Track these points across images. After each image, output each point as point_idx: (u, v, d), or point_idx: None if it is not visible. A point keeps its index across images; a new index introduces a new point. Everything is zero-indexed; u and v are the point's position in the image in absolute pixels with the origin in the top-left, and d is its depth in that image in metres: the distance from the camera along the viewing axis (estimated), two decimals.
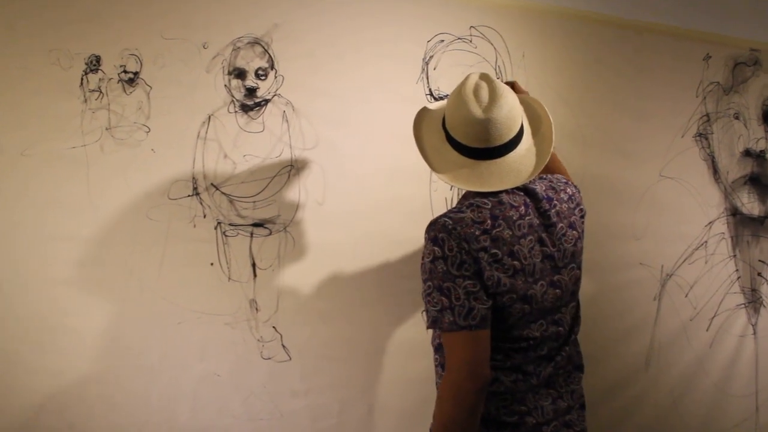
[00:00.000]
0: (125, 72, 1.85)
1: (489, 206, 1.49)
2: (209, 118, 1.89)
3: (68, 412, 1.83)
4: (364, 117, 2.04)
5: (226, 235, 1.90)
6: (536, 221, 1.52)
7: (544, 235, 1.53)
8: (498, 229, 1.46)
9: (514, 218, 1.49)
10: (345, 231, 2.03)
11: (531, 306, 1.49)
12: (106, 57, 1.84)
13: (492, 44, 2.19)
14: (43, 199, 1.78)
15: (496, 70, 2.20)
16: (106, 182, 1.83)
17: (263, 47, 1.93)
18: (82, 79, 1.82)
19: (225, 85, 1.90)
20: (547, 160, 1.54)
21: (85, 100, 1.82)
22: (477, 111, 1.49)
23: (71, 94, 1.82)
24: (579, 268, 1.62)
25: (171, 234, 1.87)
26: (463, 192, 1.65)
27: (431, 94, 2.11)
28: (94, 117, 1.83)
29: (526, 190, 1.55)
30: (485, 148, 1.51)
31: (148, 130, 1.85)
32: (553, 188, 1.60)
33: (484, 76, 1.56)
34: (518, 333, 1.51)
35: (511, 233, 1.47)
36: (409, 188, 2.10)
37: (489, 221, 1.46)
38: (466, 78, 1.55)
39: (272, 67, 1.93)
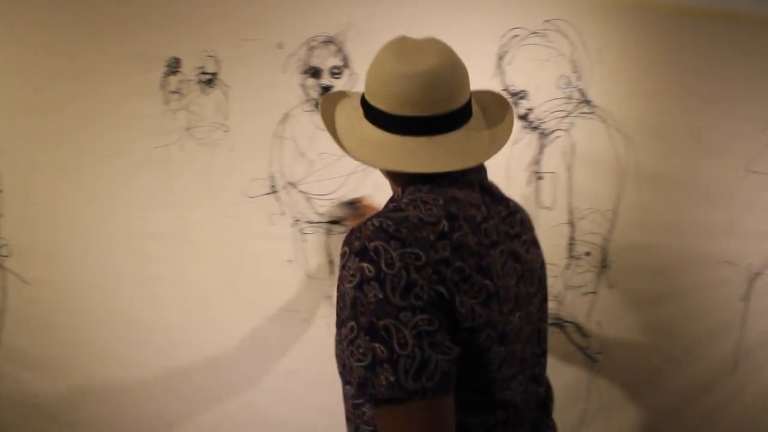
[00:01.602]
0: (204, 73, 1.88)
1: (441, 202, 0.99)
2: (286, 116, 1.90)
3: (155, 402, 1.88)
4: None
5: (303, 233, 1.91)
6: (501, 228, 1.06)
7: (512, 246, 1.06)
8: (459, 233, 0.96)
9: (478, 219, 1.01)
10: None
11: (507, 348, 1.00)
12: (185, 59, 1.88)
13: (567, 38, 2.14)
14: (127, 197, 1.83)
15: (572, 64, 2.15)
16: (186, 181, 1.87)
17: (337, 46, 1.93)
18: (162, 80, 1.86)
19: (300, 84, 1.91)
20: (506, 142, 1.12)
21: (166, 102, 1.86)
22: (403, 63, 1.03)
23: (152, 96, 1.86)
24: (546, 301, 1.16)
25: (249, 232, 1.89)
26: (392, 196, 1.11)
27: (507, 90, 2.07)
28: (174, 118, 1.86)
29: (481, 185, 1.09)
30: (419, 118, 1.02)
31: (226, 129, 1.88)
32: (523, 212, 1.19)
33: (417, 37, 1.13)
34: (498, 396, 0.99)
35: (476, 240, 0.98)
36: None
37: (445, 222, 0.96)
38: (395, 37, 1.14)
39: (346, 65, 1.93)
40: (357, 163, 1.87)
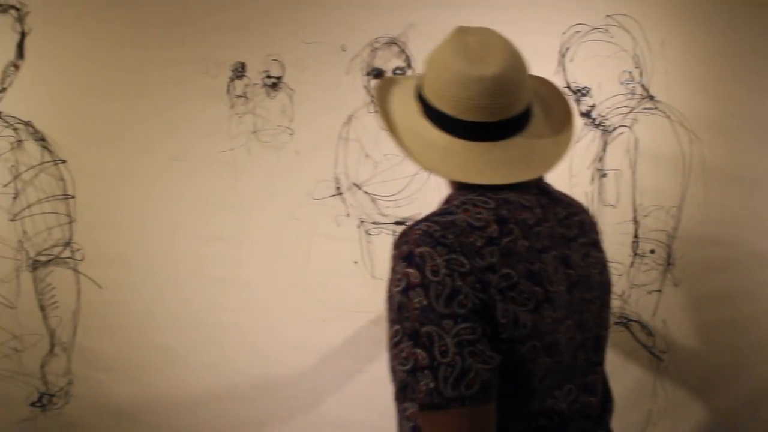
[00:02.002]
0: (269, 77, 1.89)
1: (492, 205, 0.96)
2: (350, 118, 1.91)
3: (220, 403, 1.91)
4: None
5: (368, 234, 1.91)
6: (558, 231, 1.01)
7: (567, 251, 1.01)
8: (509, 238, 0.93)
9: (530, 223, 0.97)
10: None
11: (554, 359, 0.95)
12: (250, 63, 1.89)
13: (629, 33, 2.11)
14: (194, 201, 1.85)
15: (634, 59, 2.12)
16: (253, 184, 1.89)
17: (400, 47, 1.93)
18: (228, 85, 1.88)
19: (364, 86, 1.91)
20: (570, 146, 1.07)
21: (232, 106, 1.88)
22: (468, 66, 0.98)
23: (219, 100, 1.88)
24: (608, 309, 1.09)
25: (316, 233, 1.90)
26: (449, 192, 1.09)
27: (569, 87, 2.05)
28: (240, 121, 1.88)
29: (537, 186, 1.04)
30: (481, 124, 0.99)
31: (291, 132, 1.89)
32: (581, 207, 1.13)
33: (476, 28, 1.06)
34: (539, 406, 0.96)
35: (527, 245, 0.94)
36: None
37: (495, 226, 0.93)
38: (455, 31, 1.08)
39: (409, 66, 1.93)
40: None
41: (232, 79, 1.86)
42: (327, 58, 1.89)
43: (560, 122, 1.08)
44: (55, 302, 1.86)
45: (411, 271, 0.88)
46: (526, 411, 0.94)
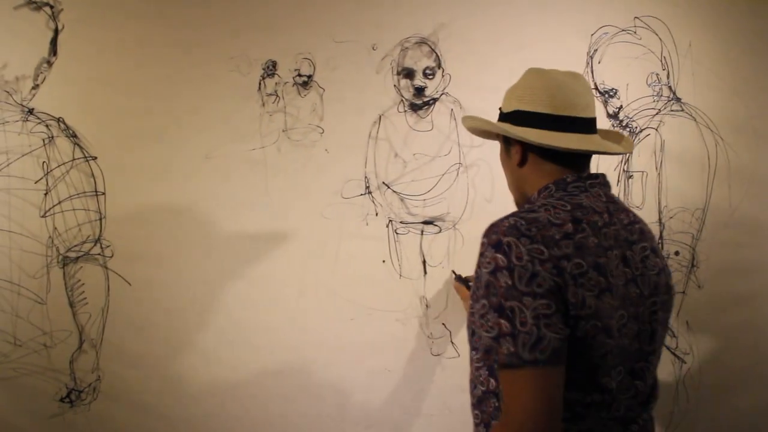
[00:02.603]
0: (300, 75, 1.90)
1: (568, 208, 1.15)
2: (380, 117, 1.91)
3: (248, 400, 1.91)
4: None
5: (397, 233, 1.92)
6: (622, 234, 1.19)
7: (628, 252, 1.19)
8: (582, 235, 1.12)
9: (599, 224, 1.16)
10: None
11: (612, 341, 1.12)
12: (281, 62, 1.90)
13: (657, 34, 2.12)
14: (224, 199, 1.86)
15: (661, 61, 2.13)
16: (283, 182, 1.89)
17: (430, 47, 1.94)
18: (260, 83, 1.89)
19: (394, 85, 1.92)
20: (632, 147, 1.35)
21: (263, 104, 1.89)
22: (563, 75, 1.25)
23: (250, 98, 1.88)
24: (664, 309, 1.24)
25: (344, 232, 1.90)
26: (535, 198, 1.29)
27: (596, 89, 2.05)
28: (271, 120, 1.89)
29: (606, 195, 1.23)
30: (575, 118, 1.22)
31: (321, 131, 1.90)
32: (644, 224, 1.30)
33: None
34: (596, 380, 1.12)
35: (596, 241, 1.13)
36: None
37: (570, 224, 1.12)
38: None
39: (439, 66, 1.93)
40: (450, 163, 1.88)
41: (264, 78, 1.86)
42: (358, 57, 1.90)
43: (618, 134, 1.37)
44: (85, 299, 1.86)
45: (499, 256, 1.07)
46: (585, 382, 1.10)
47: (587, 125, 1.24)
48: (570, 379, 1.08)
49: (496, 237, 1.09)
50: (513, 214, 1.13)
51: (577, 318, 1.07)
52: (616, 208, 1.22)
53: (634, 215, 1.27)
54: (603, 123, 1.99)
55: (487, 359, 1.11)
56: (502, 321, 1.05)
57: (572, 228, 1.12)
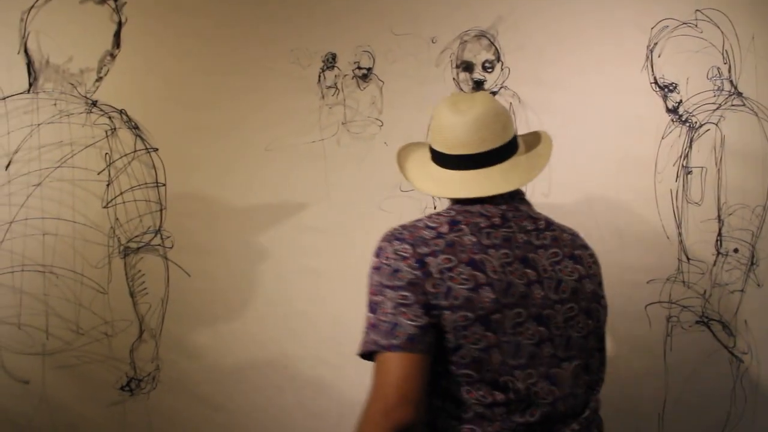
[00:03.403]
0: (359, 68, 1.90)
1: (452, 213, 1.23)
2: None
3: (304, 393, 1.93)
4: (588, 107, 2.00)
5: None
6: (520, 237, 1.23)
7: (531, 255, 1.22)
8: (456, 234, 1.18)
9: (482, 225, 1.21)
10: (570, 222, 1.98)
11: (497, 337, 1.15)
12: (341, 54, 1.90)
13: (719, 28, 2.08)
14: (284, 191, 1.87)
15: (723, 54, 2.09)
16: (342, 175, 1.89)
17: (489, 39, 1.93)
18: (319, 76, 1.89)
19: (453, 78, 1.91)
20: (537, 173, 1.31)
21: (323, 97, 1.89)
22: (453, 114, 1.28)
23: (310, 91, 1.89)
24: (590, 317, 1.26)
25: None
26: None
27: (656, 83, 2.03)
28: (330, 112, 1.89)
29: (510, 204, 1.27)
30: (466, 156, 1.27)
31: (381, 123, 1.90)
32: (564, 231, 1.32)
33: (469, 93, 1.37)
34: (491, 377, 1.15)
35: (474, 240, 1.18)
36: (633, 179, 2.03)
37: (446, 226, 1.20)
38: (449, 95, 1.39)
39: (498, 59, 1.92)
40: None
41: (323, 70, 1.87)
42: (417, 50, 1.89)
43: (539, 150, 1.36)
44: (145, 289, 1.89)
45: (375, 259, 1.19)
46: (480, 379, 1.14)
47: (481, 160, 1.27)
48: (462, 374, 1.14)
49: (377, 245, 1.20)
50: (401, 224, 1.23)
51: (442, 308, 1.12)
52: (518, 215, 1.26)
53: (549, 224, 1.30)
54: (662, 118, 1.97)
55: (360, 350, 1.16)
56: (370, 315, 1.14)
57: (447, 228, 1.19)
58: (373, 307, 1.15)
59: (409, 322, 1.11)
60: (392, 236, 1.20)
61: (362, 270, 1.95)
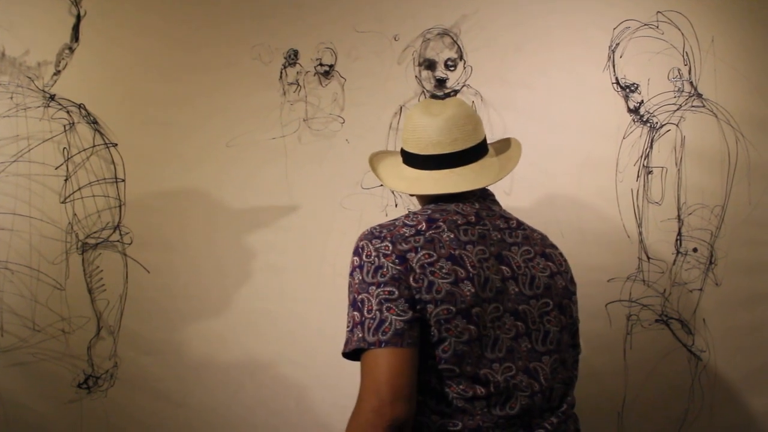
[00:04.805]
0: (321, 65, 1.89)
1: (428, 212, 1.25)
2: (401, 108, 1.91)
3: (263, 389, 1.97)
4: (550, 106, 2.01)
5: None
6: (494, 235, 1.26)
7: (505, 252, 1.26)
8: (434, 231, 1.20)
9: (459, 222, 1.24)
10: (531, 221, 1.98)
11: (479, 330, 1.16)
12: (303, 51, 1.90)
13: (679, 29, 2.10)
14: (247, 188, 1.86)
15: (683, 56, 2.11)
16: (302, 172, 1.89)
17: (452, 38, 1.93)
18: (281, 72, 1.88)
19: (416, 76, 1.91)
20: (507, 173, 1.36)
21: (284, 93, 1.88)
22: (426, 116, 1.32)
23: (271, 87, 1.88)
24: (562, 311, 1.29)
25: (364, 222, 1.90)
26: None
27: (618, 83, 2.04)
28: (292, 109, 1.88)
29: (482, 204, 1.31)
30: (439, 155, 1.31)
31: (342, 121, 1.89)
32: (533, 230, 1.36)
33: (434, 97, 1.39)
34: (472, 370, 1.16)
35: (452, 236, 1.20)
36: (595, 180, 2.05)
37: (424, 224, 1.22)
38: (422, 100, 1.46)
39: (461, 57, 1.93)
40: None
41: (285, 67, 1.86)
42: (379, 48, 1.89)
43: (510, 153, 1.40)
44: (103, 285, 1.87)
45: (355, 258, 1.18)
46: (461, 373, 1.14)
47: (453, 159, 1.31)
48: (444, 368, 1.14)
49: (356, 243, 1.20)
50: (378, 224, 1.24)
51: (425, 301, 1.13)
52: (491, 214, 1.29)
53: (520, 224, 1.34)
54: (624, 118, 1.99)
55: (345, 349, 1.16)
56: (355, 313, 1.13)
57: (425, 226, 1.20)
58: (357, 305, 1.14)
59: (395, 317, 1.11)
60: (371, 235, 1.20)
61: (324, 267, 1.97)
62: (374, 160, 1.45)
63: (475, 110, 1.40)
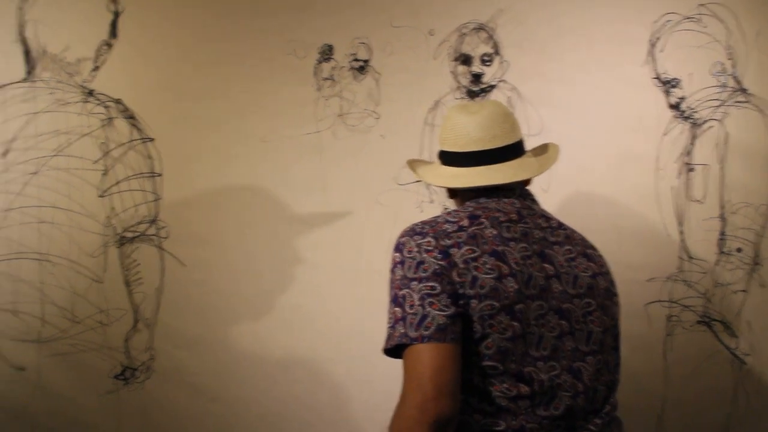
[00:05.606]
0: (356, 60, 1.89)
1: (470, 209, 1.25)
2: (436, 104, 1.89)
3: (298, 385, 1.96)
4: (588, 102, 1.97)
5: None
6: (536, 233, 1.25)
7: (547, 250, 1.25)
8: (477, 227, 1.20)
9: (501, 219, 1.23)
10: (569, 218, 1.95)
11: (522, 327, 1.15)
12: (338, 46, 1.89)
13: (723, 23, 2.05)
14: (280, 182, 1.86)
15: (727, 50, 2.05)
16: (338, 167, 1.89)
17: (488, 33, 1.91)
18: (315, 68, 1.88)
19: (451, 72, 1.89)
20: (546, 169, 1.37)
21: (319, 88, 1.88)
22: (465, 114, 1.34)
23: (306, 82, 1.88)
24: (605, 313, 1.27)
25: (399, 218, 1.89)
26: None
27: (658, 78, 1.99)
28: (327, 104, 1.88)
29: (522, 203, 1.30)
30: (479, 152, 1.31)
31: (377, 116, 1.88)
32: (574, 231, 1.35)
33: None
34: (516, 368, 1.14)
35: (495, 232, 1.20)
36: (633, 176, 2.00)
37: (466, 220, 1.21)
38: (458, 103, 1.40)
39: (497, 52, 1.90)
40: None
41: (320, 62, 1.86)
42: (415, 43, 1.88)
43: (548, 154, 1.41)
44: (140, 278, 1.89)
45: (396, 254, 1.18)
46: (505, 371, 1.13)
47: (494, 156, 1.31)
48: (487, 365, 1.13)
49: (397, 240, 1.20)
50: (420, 221, 1.23)
51: (469, 296, 1.12)
52: (532, 213, 1.29)
53: (561, 224, 1.34)
54: (664, 114, 1.94)
55: (387, 345, 1.15)
56: (397, 309, 1.12)
57: (468, 222, 1.20)
58: (398, 301, 1.13)
59: (438, 312, 1.10)
60: (412, 231, 1.20)
61: (359, 264, 1.96)
62: (412, 164, 1.46)
63: (511, 111, 1.39)
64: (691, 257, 1.95)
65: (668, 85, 1.99)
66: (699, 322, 2.03)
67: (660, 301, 1.94)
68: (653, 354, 1.89)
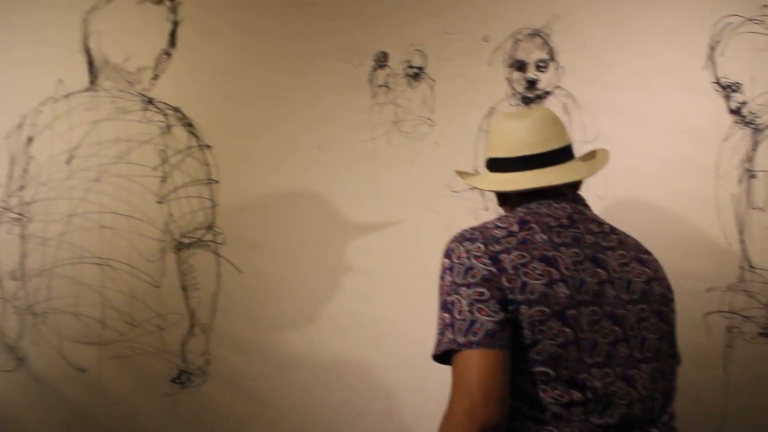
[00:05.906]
0: (410, 67, 1.89)
1: (520, 214, 1.25)
2: (491, 110, 1.88)
3: (351, 392, 1.97)
4: (646, 108, 1.94)
5: None
6: (588, 238, 1.24)
7: (600, 255, 1.22)
8: (526, 232, 1.19)
9: (551, 224, 1.22)
10: (625, 225, 1.92)
11: (575, 333, 1.13)
12: (392, 53, 1.90)
13: None
14: (335, 189, 1.87)
15: None
16: (392, 174, 1.89)
17: (543, 39, 1.89)
18: (370, 75, 1.88)
19: (506, 78, 1.88)
20: (597, 171, 1.38)
21: (374, 95, 1.89)
22: (514, 120, 1.34)
23: (361, 89, 1.89)
24: (660, 318, 1.25)
25: (453, 226, 1.86)
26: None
27: (718, 82, 1.95)
28: (381, 111, 1.89)
29: (573, 208, 1.29)
30: (530, 156, 1.31)
31: (432, 123, 1.88)
32: (627, 236, 1.34)
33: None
34: (569, 375, 1.12)
35: (545, 237, 1.19)
36: (692, 183, 1.96)
37: (516, 225, 1.21)
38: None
39: (552, 58, 1.88)
40: None
41: (375, 69, 1.86)
42: (469, 49, 1.87)
43: (597, 161, 1.41)
44: (197, 283, 1.92)
45: (445, 260, 1.19)
46: (557, 377, 1.11)
47: (544, 159, 1.32)
48: (538, 372, 1.12)
49: (446, 246, 1.21)
50: (469, 227, 1.24)
51: (519, 302, 1.11)
52: (584, 218, 1.28)
53: (613, 229, 1.32)
54: (724, 119, 1.90)
55: (435, 351, 1.15)
56: (445, 315, 1.13)
57: (517, 228, 1.19)
58: (447, 307, 1.14)
59: (486, 318, 1.10)
60: (462, 237, 1.20)
61: (412, 271, 1.96)
62: (460, 174, 1.48)
63: (559, 117, 1.40)
64: (752, 266, 1.90)
65: (729, 89, 1.94)
66: (761, 334, 1.97)
67: (720, 311, 1.89)
68: (713, 366, 1.84)
